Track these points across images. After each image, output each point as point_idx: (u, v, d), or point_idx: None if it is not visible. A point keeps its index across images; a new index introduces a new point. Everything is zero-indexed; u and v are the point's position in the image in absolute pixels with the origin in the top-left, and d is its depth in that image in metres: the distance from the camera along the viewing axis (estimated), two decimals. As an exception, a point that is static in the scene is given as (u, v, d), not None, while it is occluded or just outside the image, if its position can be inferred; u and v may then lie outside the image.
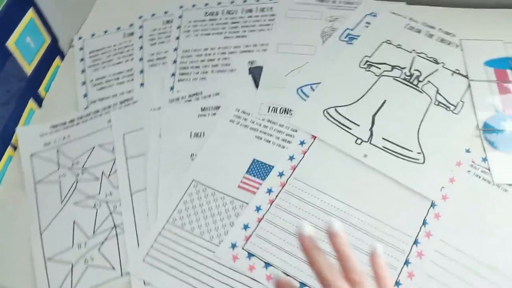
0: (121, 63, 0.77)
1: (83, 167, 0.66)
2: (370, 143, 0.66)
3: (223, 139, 0.67)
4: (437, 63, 0.74)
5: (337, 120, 0.68)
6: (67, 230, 0.61)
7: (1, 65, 0.64)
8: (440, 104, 0.70)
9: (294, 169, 0.64)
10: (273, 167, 0.64)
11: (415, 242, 0.58)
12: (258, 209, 0.61)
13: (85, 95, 0.73)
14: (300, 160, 0.65)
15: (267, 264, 0.57)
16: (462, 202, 0.61)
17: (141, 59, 0.76)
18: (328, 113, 0.69)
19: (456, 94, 0.71)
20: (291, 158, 0.65)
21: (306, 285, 0.56)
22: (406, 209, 0.61)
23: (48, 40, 0.74)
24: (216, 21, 0.81)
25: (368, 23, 0.79)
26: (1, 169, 0.66)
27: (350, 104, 0.70)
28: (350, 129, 0.67)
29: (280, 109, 0.69)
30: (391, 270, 0.56)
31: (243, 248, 0.59)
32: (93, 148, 0.68)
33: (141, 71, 0.75)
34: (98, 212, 0.62)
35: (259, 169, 0.64)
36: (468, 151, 0.66)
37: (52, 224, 0.62)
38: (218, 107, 0.70)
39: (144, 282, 0.57)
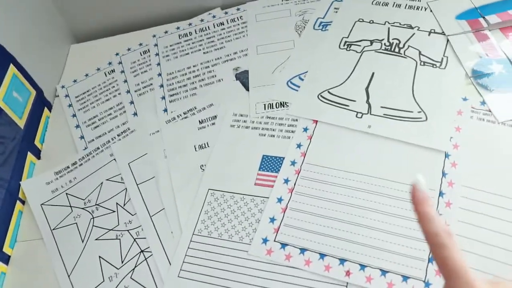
0: (109, 99, 0.77)
1: (96, 203, 0.65)
2: (370, 114, 0.67)
3: (228, 145, 0.67)
4: (411, 28, 0.76)
5: (333, 101, 0.69)
6: (94, 266, 0.60)
7: (-4, 123, 0.64)
8: (426, 64, 0.71)
9: (305, 155, 0.64)
10: (283, 158, 0.64)
11: (440, 194, 0.59)
12: (279, 200, 0.61)
13: (82, 137, 0.73)
14: (308, 146, 0.65)
15: (303, 250, 0.57)
16: (473, 146, 0.62)
17: (128, 91, 0.77)
18: (322, 96, 0.70)
19: (438, 51, 0.72)
20: (299, 145, 0.65)
21: (346, 260, 0.55)
22: (422, 166, 0.61)
23: (33, 93, 0.74)
24: (191, 40, 0.82)
25: (337, 8, 0.81)
26: (14, 225, 0.65)
27: (341, 84, 0.71)
28: (348, 106, 0.68)
29: (276, 104, 0.70)
30: (425, 226, 0.56)
31: (275, 241, 0.58)
32: (102, 183, 0.67)
33: (131, 102, 0.75)
34: (122, 242, 0.61)
35: (270, 163, 0.64)
36: (465, 99, 0.67)
37: (78, 264, 0.60)
38: (215, 117, 0.71)
39: (185, 297, 0.56)
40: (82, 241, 0.62)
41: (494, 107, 0.65)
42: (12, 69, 0.69)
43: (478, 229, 0.56)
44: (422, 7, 0.79)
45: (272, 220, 0.59)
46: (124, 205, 0.64)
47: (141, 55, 0.82)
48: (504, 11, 0.74)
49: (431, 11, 0.78)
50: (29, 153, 0.70)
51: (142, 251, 0.60)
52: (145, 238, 0.61)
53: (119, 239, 0.62)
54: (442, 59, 0.71)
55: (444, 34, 0.74)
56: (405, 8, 0.79)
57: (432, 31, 0.75)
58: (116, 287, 0.58)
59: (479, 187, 0.59)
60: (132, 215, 0.63)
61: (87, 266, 0.60)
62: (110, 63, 0.82)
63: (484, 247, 0.54)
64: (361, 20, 0.79)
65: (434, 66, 0.71)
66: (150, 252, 0.60)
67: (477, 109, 0.66)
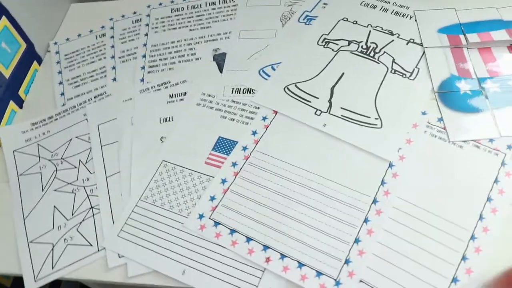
0: (95, 62, 0.82)
1: (61, 157, 0.71)
2: (329, 113, 0.69)
3: (190, 121, 0.71)
4: (392, 34, 0.77)
5: (297, 95, 0.72)
6: (48, 214, 0.66)
7: (-21, 70, 0.70)
8: (396, 72, 0.73)
9: (257, 142, 0.68)
10: (237, 142, 0.68)
11: (374, 201, 0.61)
12: (223, 181, 0.65)
13: (62, 94, 0.78)
14: (263, 134, 0.68)
15: (232, 231, 0.61)
16: (419, 161, 0.64)
17: (112, 57, 0.81)
18: (288, 89, 0.73)
19: (412, 62, 0.74)
20: (254, 133, 0.69)
21: (269, 248, 0.59)
22: (365, 171, 0.64)
23: (23, 46, 0.79)
24: (182, 16, 0.85)
25: (326, 4, 0.83)
26: (-14, 166, 0.71)
27: (309, 80, 0.73)
28: (310, 102, 0.71)
29: (243, 89, 0.73)
30: (351, 229, 0.59)
31: (210, 218, 0.62)
32: (71, 140, 0.72)
33: (113, 67, 0.80)
34: (76, 196, 0.67)
35: (224, 146, 0.68)
36: (424, 113, 0.68)
37: (34, 210, 0.66)
38: (185, 93, 0.74)
39: (119, 255, 0.61)
40: (43, 190, 0.68)
41: (449, 126, 0.66)
42: (4, 21, 0.74)
43: (401, 241, 0.58)
44: (408, 15, 0.79)
45: (212, 198, 0.63)
46: (86, 163, 0.70)
47: (133, 23, 0.86)
48: (485, 32, 0.74)
49: (415, 20, 0.78)
50: (11, 101, 0.76)
51: (92, 207, 0.65)
52: (97, 196, 0.66)
53: (75, 193, 0.67)
54: (413, 70, 0.73)
55: (422, 46, 0.75)
56: (391, 13, 0.80)
57: (411, 40, 0.76)
58: (62, 236, 0.64)
59: (413, 201, 0.61)
60: (91, 173, 0.69)
61: (42, 213, 0.66)
62: (103, 27, 0.87)
63: (403, 259, 0.57)
64: (346, 19, 0.80)
65: (404, 75, 0.72)
66: (99, 209, 0.65)
67: (433, 125, 0.67)
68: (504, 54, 0.73)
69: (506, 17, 0.76)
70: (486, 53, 0.73)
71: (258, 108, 0.71)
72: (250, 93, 0.73)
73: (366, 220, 0.60)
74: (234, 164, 0.66)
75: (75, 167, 0.70)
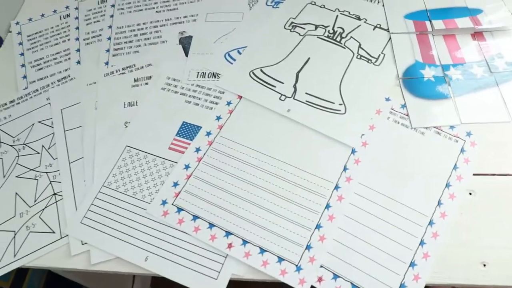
0: (58, 44, 0.80)
1: (24, 143, 0.70)
2: (293, 98, 0.69)
3: (154, 106, 0.71)
4: (359, 19, 0.77)
5: (262, 80, 0.72)
6: (9, 201, 0.65)
7: None
8: (362, 58, 0.73)
9: (221, 128, 0.68)
10: (201, 127, 0.68)
11: (336, 187, 0.62)
12: (187, 167, 0.65)
13: (24, 77, 0.77)
14: (227, 119, 0.68)
15: (195, 217, 0.61)
16: (381, 147, 0.65)
17: (77, 39, 0.80)
18: (254, 73, 0.72)
19: (378, 47, 0.74)
20: (218, 118, 0.69)
21: (231, 234, 0.59)
22: (328, 157, 0.65)
23: (-17, 26, 0.77)
24: (148, -3, 0.84)
25: (294, -13, 0.82)
26: None
27: (275, 64, 0.73)
28: (275, 86, 0.71)
29: (208, 74, 0.73)
30: (312, 215, 0.60)
31: (172, 204, 0.62)
32: (33, 124, 0.71)
33: (78, 50, 0.78)
34: (39, 182, 0.66)
35: (188, 131, 0.68)
36: (388, 99, 0.69)
37: (-5, 197, 0.66)
38: (150, 77, 0.74)
39: (82, 242, 0.61)
40: (4, 176, 0.67)
41: (412, 112, 0.67)
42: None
43: (361, 227, 0.59)
44: (377, 0, 0.79)
45: (175, 184, 0.64)
46: (49, 148, 0.69)
47: (98, 4, 0.85)
48: (450, 19, 0.75)
49: (383, 5, 0.78)
50: (-30, 84, 0.74)
51: (54, 193, 0.65)
52: (60, 182, 0.66)
53: (37, 179, 0.66)
54: (379, 56, 0.73)
55: (388, 31, 0.75)
56: (360, -3, 0.80)
57: (378, 26, 0.76)
58: (24, 223, 0.63)
59: (374, 187, 0.62)
60: (54, 159, 0.68)
61: (3, 200, 0.65)
62: (67, 7, 0.85)
63: (363, 245, 0.58)
64: (313, 3, 0.80)
65: (369, 61, 0.73)
66: (62, 196, 0.65)
67: (396, 111, 0.68)
68: (467, 42, 0.74)
69: (470, 5, 0.77)
70: (450, 40, 0.74)
71: (223, 92, 0.71)
72: (215, 77, 0.72)
73: (327, 206, 0.61)
74: (197, 150, 0.66)
75: (38, 152, 0.69)
